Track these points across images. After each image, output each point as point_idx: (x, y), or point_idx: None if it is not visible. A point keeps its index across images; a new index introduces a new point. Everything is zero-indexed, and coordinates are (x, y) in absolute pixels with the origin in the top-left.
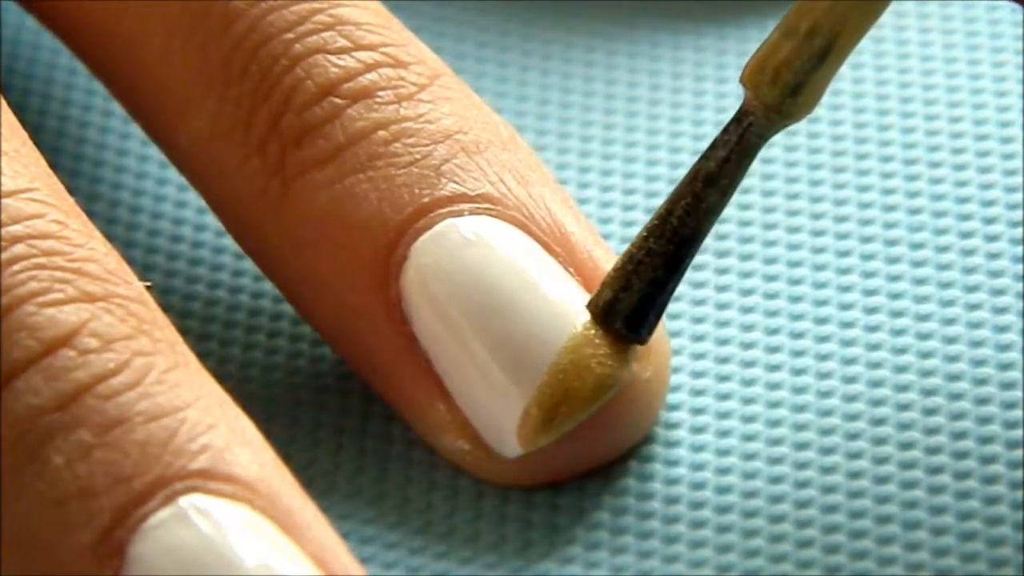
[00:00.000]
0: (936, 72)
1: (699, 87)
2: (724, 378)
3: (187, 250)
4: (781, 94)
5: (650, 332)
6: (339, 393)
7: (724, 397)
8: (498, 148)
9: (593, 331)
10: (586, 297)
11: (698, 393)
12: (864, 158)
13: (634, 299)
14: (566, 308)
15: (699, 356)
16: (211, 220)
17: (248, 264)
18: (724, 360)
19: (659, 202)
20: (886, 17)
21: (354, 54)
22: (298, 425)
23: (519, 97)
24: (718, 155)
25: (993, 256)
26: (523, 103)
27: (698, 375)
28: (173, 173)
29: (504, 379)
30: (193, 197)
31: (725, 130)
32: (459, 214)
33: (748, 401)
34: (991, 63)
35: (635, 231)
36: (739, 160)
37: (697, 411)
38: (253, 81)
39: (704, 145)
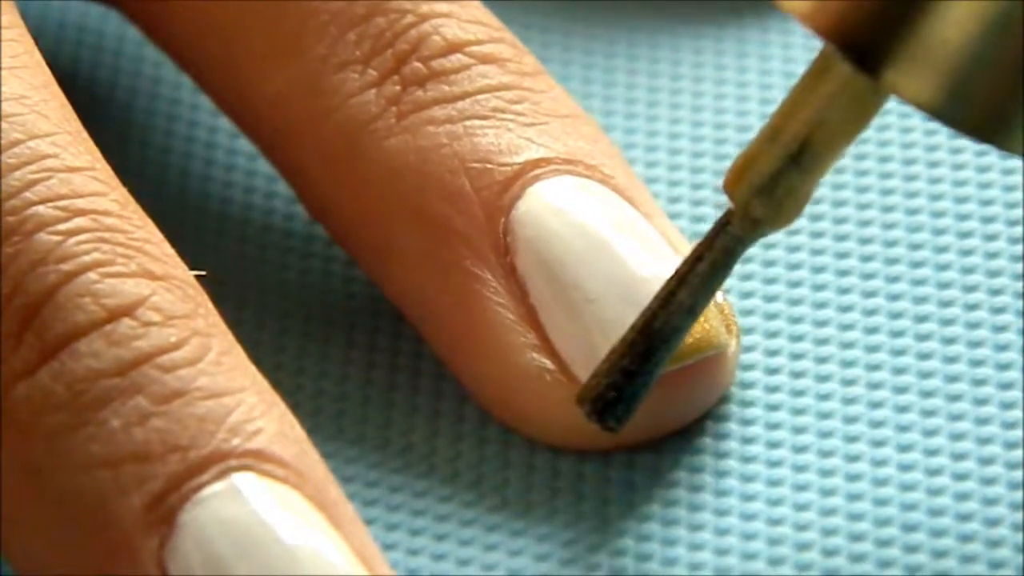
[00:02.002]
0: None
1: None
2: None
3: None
4: (749, 195)
5: (619, 422)
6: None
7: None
8: (606, 144)
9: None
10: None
11: (747, 368)
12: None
13: (602, 385)
14: (665, 264)
15: (749, 349)
16: (257, 215)
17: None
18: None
19: (705, 195)
20: None
21: (481, 26)
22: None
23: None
24: (693, 254)
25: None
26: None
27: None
28: (216, 171)
29: (609, 317)
30: (238, 193)
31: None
32: (577, 174)
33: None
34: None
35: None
36: (712, 261)
37: (745, 385)
38: (379, 27)
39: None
